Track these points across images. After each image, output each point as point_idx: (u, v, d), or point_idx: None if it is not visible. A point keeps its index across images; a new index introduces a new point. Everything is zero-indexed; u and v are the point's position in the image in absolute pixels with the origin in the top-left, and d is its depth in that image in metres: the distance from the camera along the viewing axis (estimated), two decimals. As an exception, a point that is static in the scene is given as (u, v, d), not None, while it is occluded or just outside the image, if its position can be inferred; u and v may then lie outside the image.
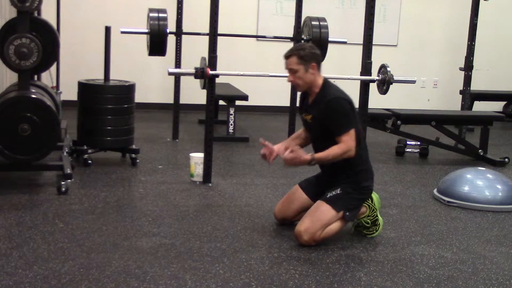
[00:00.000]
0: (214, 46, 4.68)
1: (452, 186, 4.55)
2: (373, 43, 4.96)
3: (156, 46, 5.52)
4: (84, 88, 5.18)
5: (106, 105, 5.11)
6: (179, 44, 6.35)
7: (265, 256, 3.33)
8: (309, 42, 5.92)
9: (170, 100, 6.78)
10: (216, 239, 3.55)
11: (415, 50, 8.93)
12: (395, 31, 8.84)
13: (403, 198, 4.65)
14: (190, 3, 6.99)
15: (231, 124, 6.49)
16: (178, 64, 6.38)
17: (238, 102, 6.67)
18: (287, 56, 3.59)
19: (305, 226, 3.47)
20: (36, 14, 5.12)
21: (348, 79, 5.65)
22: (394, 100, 7.26)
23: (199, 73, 4.64)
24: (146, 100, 7.84)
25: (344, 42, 6.44)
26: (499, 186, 4.52)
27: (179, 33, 6.29)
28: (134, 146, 5.28)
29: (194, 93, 6.98)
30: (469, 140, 6.42)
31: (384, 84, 4.95)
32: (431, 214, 4.27)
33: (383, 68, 4.99)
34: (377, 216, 3.70)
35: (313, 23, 5.87)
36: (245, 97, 6.75)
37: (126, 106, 5.20)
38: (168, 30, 5.53)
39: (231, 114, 6.50)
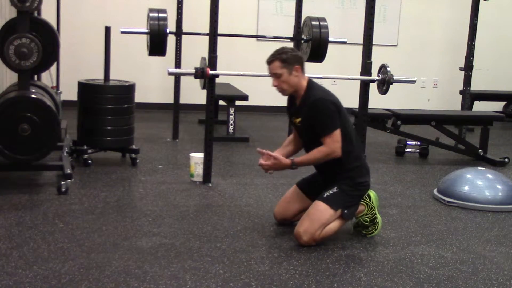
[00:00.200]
0: (214, 46, 4.68)
1: (452, 186, 4.55)
2: (373, 43, 4.97)
3: (156, 46, 5.52)
4: (84, 88, 5.18)
5: (106, 105, 5.11)
6: (179, 44, 6.35)
7: (265, 256, 3.33)
8: (309, 42, 5.93)
9: (170, 100, 6.78)
10: (216, 239, 3.55)
11: (415, 50, 8.93)
12: (395, 31, 8.84)
13: (403, 198, 4.65)
14: (190, 3, 6.99)
15: (231, 124, 6.49)
16: (178, 64, 6.38)
17: (238, 102, 6.67)
18: (270, 61, 3.57)
19: (304, 227, 3.47)
20: (36, 14, 5.12)
21: (348, 79, 5.66)
22: (394, 100, 7.26)
23: (199, 73, 4.64)
24: (146, 100, 7.84)
25: (344, 42, 6.44)
26: (499, 186, 4.52)
27: (179, 33, 6.29)
28: (134, 146, 5.28)
29: (194, 93, 6.99)
30: (469, 140, 6.42)
31: (384, 84, 4.96)
32: (431, 214, 4.27)
33: (383, 68, 4.99)
34: (375, 214, 3.70)
35: (313, 23, 5.87)
36: (245, 97, 6.75)
37: (126, 106, 5.20)
38: (168, 30, 5.53)
39: (231, 114, 6.50)
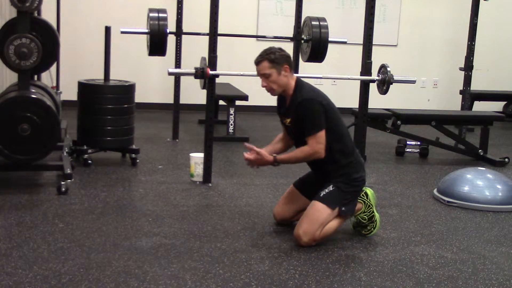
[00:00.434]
0: (214, 46, 4.68)
1: (452, 186, 4.55)
2: (373, 43, 4.97)
3: (156, 46, 5.53)
4: (84, 88, 5.18)
5: (106, 105, 5.11)
6: (179, 44, 6.35)
7: (265, 256, 3.33)
8: (309, 42, 5.94)
9: (170, 100, 6.78)
10: (216, 239, 3.55)
11: (415, 50, 8.93)
12: (395, 31, 8.84)
13: (403, 198, 4.65)
14: (190, 3, 6.99)
15: (231, 124, 6.49)
16: (178, 64, 6.38)
17: (238, 102, 6.67)
18: (258, 61, 3.56)
19: (304, 228, 3.46)
20: (36, 14, 5.11)
21: (348, 79, 5.66)
22: (394, 100, 7.26)
23: (199, 73, 4.64)
24: (146, 100, 7.84)
25: (344, 42, 6.45)
26: (499, 186, 4.52)
27: (179, 33, 6.29)
28: (134, 146, 5.28)
29: (194, 93, 6.99)
30: (469, 140, 6.43)
31: (384, 84, 4.96)
32: (431, 214, 4.27)
33: (383, 68, 4.99)
34: (373, 212, 3.70)
35: (313, 23, 5.87)
36: (245, 97, 6.75)
37: (126, 106, 5.20)
38: (168, 30, 5.53)
39: (231, 114, 6.49)
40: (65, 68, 6.47)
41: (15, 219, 3.70)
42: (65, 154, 4.76)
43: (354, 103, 5.41)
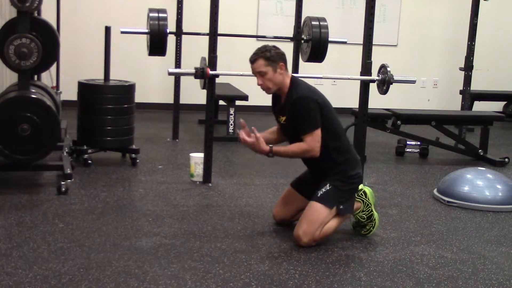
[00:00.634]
0: (214, 46, 4.68)
1: (452, 186, 4.55)
2: (373, 43, 4.96)
3: (156, 46, 5.52)
4: (84, 88, 5.18)
5: (106, 105, 5.11)
6: (179, 44, 6.35)
7: (265, 256, 3.33)
8: (309, 42, 5.93)
9: (170, 100, 6.78)
10: (216, 239, 3.55)
11: (415, 50, 8.93)
12: (395, 31, 8.84)
13: (403, 198, 4.65)
14: (190, 3, 6.99)
15: (231, 124, 6.49)
16: (178, 64, 6.38)
17: (238, 102, 6.67)
18: (253, 59, 3.55)
19: (303, 229, 3.46)
20: (36, 14, 5.11)
21: (348, 79, 5.65)
22: (394, 100, 7.26)
23: (199, 73, 4.64)
24: (146, 100, 7.84)
25: (344, 42, 6.44)
26: (499, 186, 4.52)
27: (179, 33, 6.29)
28: (134, 146, 5.28)
29: (194, 93, 6.99)
30: (469, 140, 6.43)
31: (384, 84, 4.95)
32: (431, 214, 4.27)
33: (383, 68, 4.99)
34: (372, 211, 3.70)
35: (313, 23, 5.87)
36: (245, 97, 6.75)
37: (126, 106, 5.20)
38: (168, 30, 5.53)
39: (231, 114, 6.49)
40: (65, 68, 6.47)
41: (15, 219, 3.70)
42: (65, 154, 4.75)
43: (354, 103, 5.40)
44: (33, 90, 4.41)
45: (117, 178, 4.78)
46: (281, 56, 3.56)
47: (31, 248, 3.26)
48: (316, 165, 3.63)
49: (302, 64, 6.41)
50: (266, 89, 3.60)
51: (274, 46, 3.59)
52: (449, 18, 8.93)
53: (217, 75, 4.70)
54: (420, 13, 8.89)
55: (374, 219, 3.70)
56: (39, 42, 4.22)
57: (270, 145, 3.54)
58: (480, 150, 6.08)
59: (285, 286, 2.98)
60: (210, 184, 4.68)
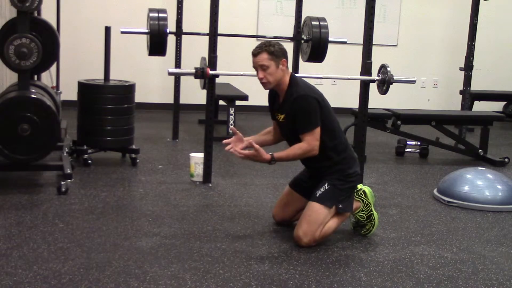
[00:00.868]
0: (214, 46, 4.68)
1: (452, 186, 4.55)
2: (373, 43, 4.96)
3: (156, 46, 5.52)
4: (84, 88, 5.18)
5: (106, 105, 5.11)
6: (179, 44, 6.35)
7: (265, 256, 3.33)
8: (309, 42, 5.93)
9: (170, 100, 6.78)
10: (216, 239, 3.55)
11: (415, 50, 8.93)
12: (395, 31, 8.83)
13: (403, 198, 4.65)
14: (190, 3, 6.99)
15: (231, 124, 6.48)
16: (178, 64, 6.38)
17: (238, 102, 6.67)
18: (257, 53, 3.53)
19: (303, 229, 3.46)
20: (36, 14, 5.11)
21: (348, 79, 5.65)
22: (394, 100, 7.26)
23: (199, 73, 4.64)
24: (146, 100, 7.84)
25: (344, 42, 6.44)
26: (499, 186, 4.52)
27: (179, 33, 6.28)
28: (134, 146, 5.28)
29: (194, 93, 6.99)
30: (469, 140, 6.42)
31: (384, 84, 4.95)
32: (431, 214, 4.27)
33: (383, 68, 4.98)
34: (371, 210, 3.70)
35: (313, 23, 5.87)
36: (245, 97, 6.74)
37: (126, 106, 5.20)
38: (168, 30, 5.53)
39: (231, 114, 6.49)
40: (65, 68, 6.46)
41: (15, 219, 3.70)
42: (65, 154, 4.75)
43: (354, 103, 5.40)
44: (33, 90, 4.41)
45: (117, 178, 4.78)
46: (284, 53, 3.56)
47: (31, 248, 3.26)
48: (314, 164, 3.63)
49: (302, 64, 6.41)
50: (266, 84, 3.58)
51: (277, 42, 3.61)
52: (449, 18, 8.92)
53: (217, 75, 4.70)
54: (420, 13, 8.88)
55: (374, 218, 3.70)
56: (39, 42, 4.22)
57: (271, 153, 3.53)
58: (480, 150, 6.08)
59: (285, 286, 2.98)
60: (210, 184, 4.68)
